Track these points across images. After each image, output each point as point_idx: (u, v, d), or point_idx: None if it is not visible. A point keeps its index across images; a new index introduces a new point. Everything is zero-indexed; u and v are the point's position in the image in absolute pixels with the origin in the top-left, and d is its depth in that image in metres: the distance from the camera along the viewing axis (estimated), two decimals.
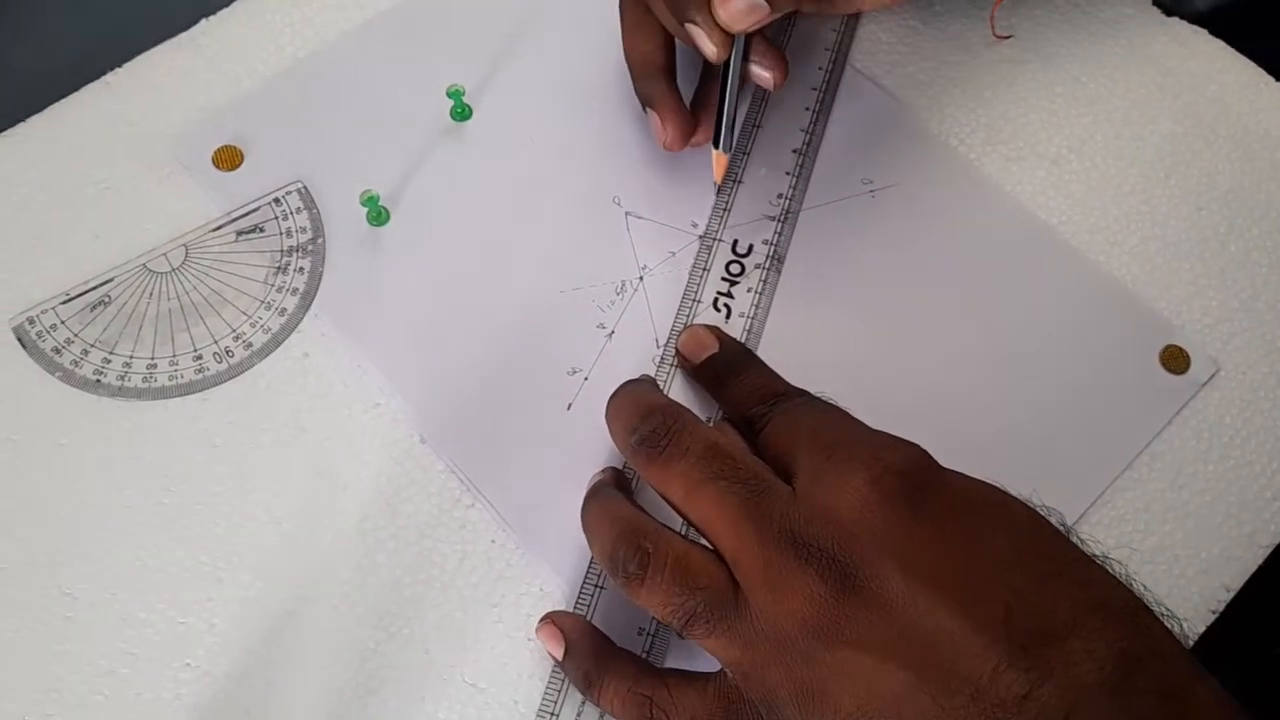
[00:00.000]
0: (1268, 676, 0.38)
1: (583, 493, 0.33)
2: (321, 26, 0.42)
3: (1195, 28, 0.45)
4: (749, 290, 0.38)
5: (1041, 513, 0.27)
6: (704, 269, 0.38)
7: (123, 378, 0.35)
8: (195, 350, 0.36)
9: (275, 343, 0.36)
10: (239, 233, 0.38)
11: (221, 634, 0.32)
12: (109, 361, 0.35)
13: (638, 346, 0.37)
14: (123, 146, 0.39)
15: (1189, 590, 0.35)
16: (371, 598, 0.33)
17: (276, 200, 0.38)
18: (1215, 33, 0.45)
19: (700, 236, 0.39)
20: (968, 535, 0.26)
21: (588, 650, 0.31)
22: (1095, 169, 0.42)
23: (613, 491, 0.31)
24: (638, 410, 0.30)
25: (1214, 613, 0.34)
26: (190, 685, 0.31)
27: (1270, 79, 0.44)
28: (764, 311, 0.37)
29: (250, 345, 0.36)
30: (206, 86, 0.41)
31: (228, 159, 0.39)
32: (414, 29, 0.43)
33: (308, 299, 0.37)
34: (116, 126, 0.40)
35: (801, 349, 0.37)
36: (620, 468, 0.34)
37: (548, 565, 0.33)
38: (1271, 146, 0.43)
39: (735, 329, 0.37)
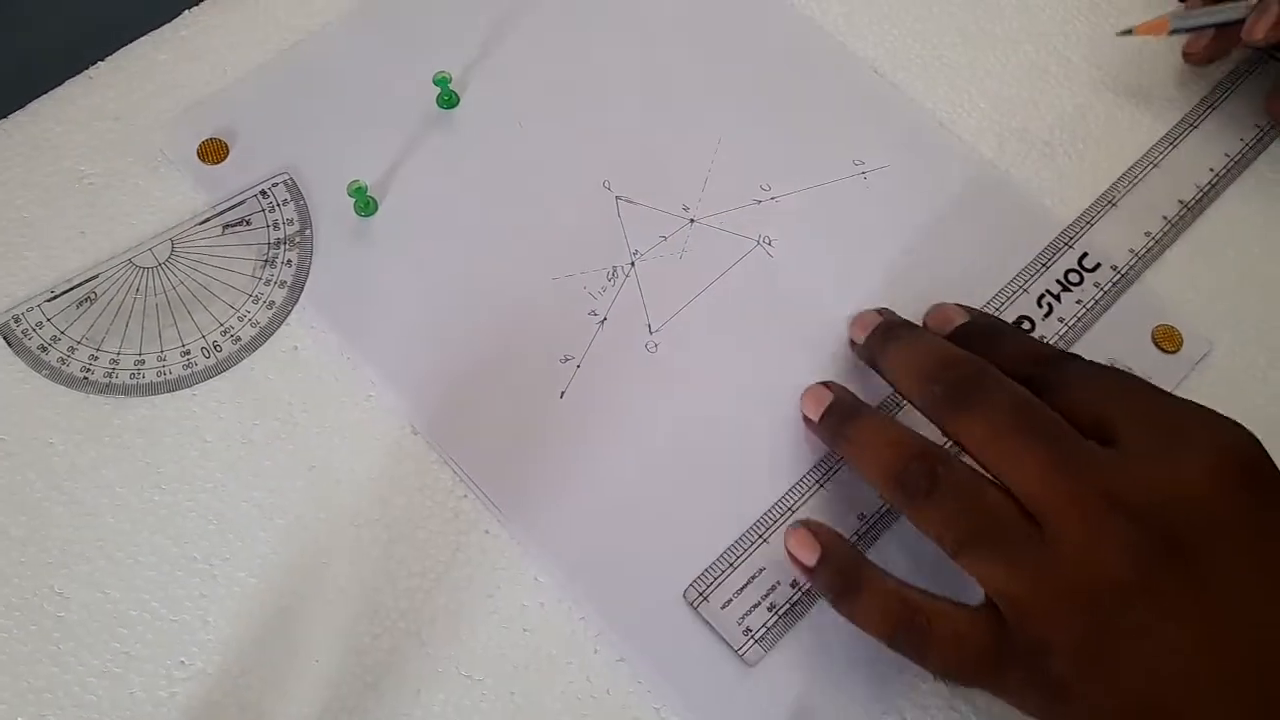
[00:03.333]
0: None
1: (577, 481, 0.33)
2: (306, 16, 0.42)
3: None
4: (1078, 302, 0.38)
5: None
6: (1044, 264, 0.38)
7: (110, 374, 0.35)
8: (183, 345, 0.36)
9: (264, 336, 0.36)
10: (225, 226, 0.37)
11: (215, 630, 0.32)
12: (95, 359, 0.35)
13: (631, 332, 0.37)
14: (107, 141, 0.39)
15: None
16: (365, 591, 0.33)
17: (263, 192, 0.38)
18: None
19: (1058, 236, 0.39)
20: None
21: (845, 558, 0.30)
22: (1088, 152, 0.42)
23: (884, 416, 0.32)
24: (941, 361, 0.30)
25: None
26: (184, 683, 0.31)
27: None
28: (1083, 326, 0.38)
29: (239, 339, 0.36)
30: (191, 79, 0.40)
31: (213, 152, 0.39)
32: (398, 17, 0.42)
33: (296, 291, 0.37)
34: (100, 121, 0.39)
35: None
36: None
37: (542, 554, 0.33)
38: (1256, 117, 0.43)
39: (1049, 329, 0.37)
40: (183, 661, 0.31)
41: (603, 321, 0.37)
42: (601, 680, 0.32)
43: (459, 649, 0.32)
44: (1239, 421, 0.28)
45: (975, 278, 0.38)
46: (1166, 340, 0.38)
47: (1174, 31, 0.41)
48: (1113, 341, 0.38)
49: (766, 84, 0.42)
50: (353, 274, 0.37)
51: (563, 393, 0.36)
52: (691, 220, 0.39)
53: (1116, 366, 0.30)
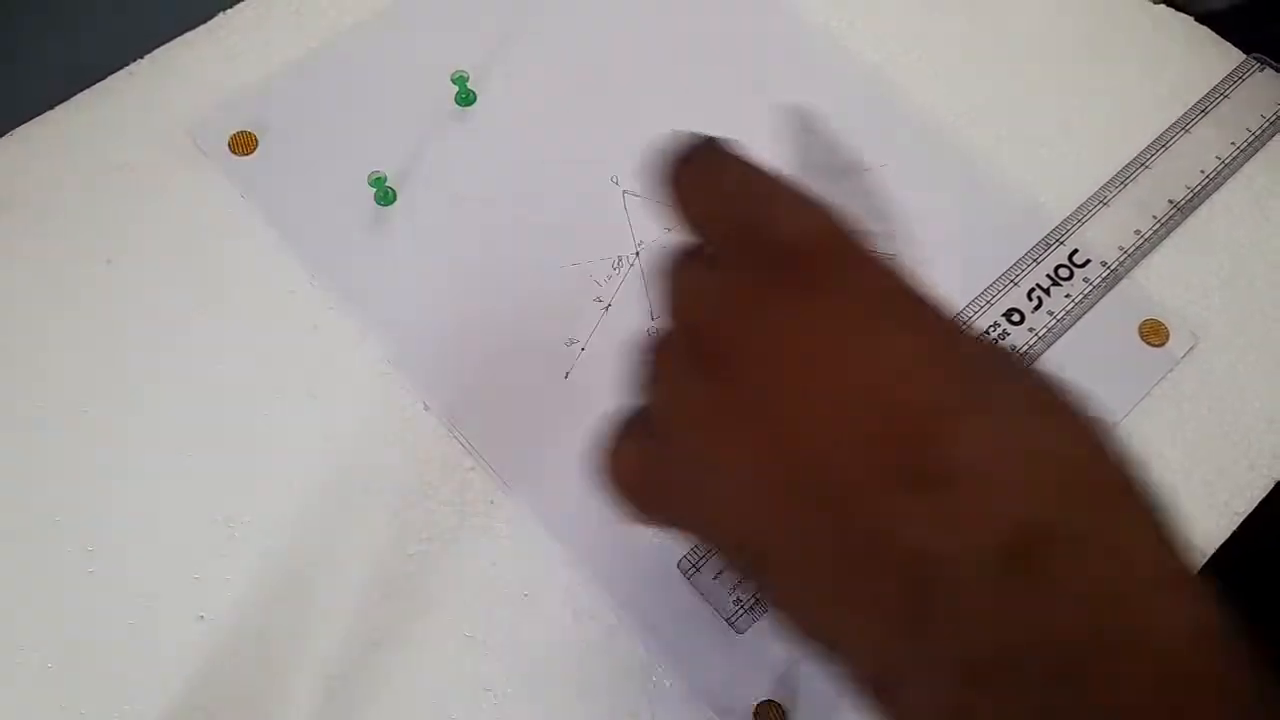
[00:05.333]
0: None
1: (579, 457, 0.34)
2: (333, 17, 0.44)
3: (1183, 16, 0.47)
4: (1066, 296, 0.39)
5: None
6: (1034, 260, 0.40)
7: None
8: None
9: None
10: None
11: (234, 588, 0.34)
12: None
13: (633, 318, 0.38)
14: (145, 132, 0.41)
15: None
16: (376, 555, 0.34)
17: None
18: (1226, 32, 0.46)
19: (1050, 233, 0.41)
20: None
21: None
22: (1082, 152, 0.43)
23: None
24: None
25: None
26: (204, 636, 0.33)
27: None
28: (1071, 319, 0.39)
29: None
30: (224, 75, 0.43)
31: (243, 144, 0.41)
32: (421, 19, 0.44)
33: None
34: (139, 113, 0.42)
35: None
36: None
37: (543, 525, 0.35)
38: (1248, 122, 0.44)
39: (1038, 321, 0.39)
40: (202, 616, 0.33)
41: (607, 307, 0.39)
42: (599, 642, 0.33)
43: (462, 611, 0.34)
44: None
45: (967, 272, 0.40)
46: (1153, 334, 0.39)
47: None
48: (1099, 334, 0.39)
49: (769, 84, 0.44)
50: (371, 259, 0.39)
51: (568, 373, 0.37)
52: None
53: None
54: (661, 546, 0.34)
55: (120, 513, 0.35)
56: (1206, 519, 0.36)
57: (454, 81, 0.41)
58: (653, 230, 0.40)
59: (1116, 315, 0.39)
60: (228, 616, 0.33)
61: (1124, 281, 0.40)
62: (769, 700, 0.32)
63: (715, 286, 0.23)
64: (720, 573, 0.34)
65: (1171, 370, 0.39)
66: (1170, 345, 0.39)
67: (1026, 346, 0.38)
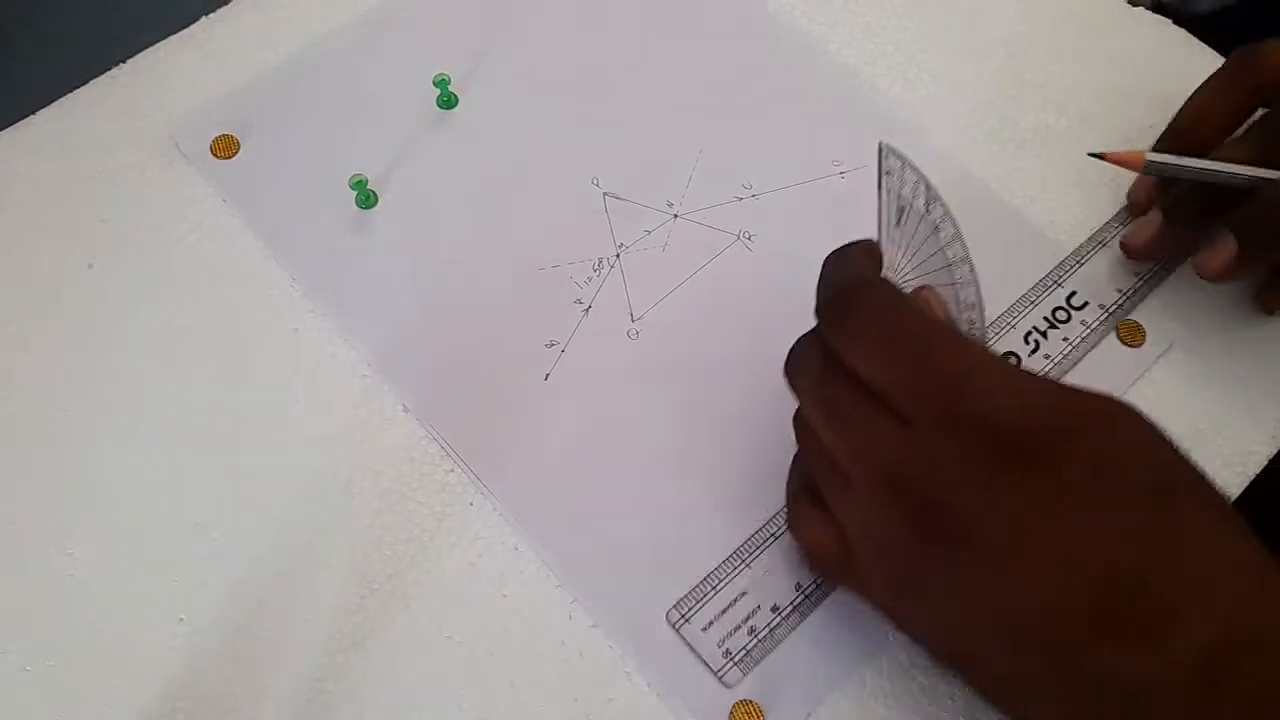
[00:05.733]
0: None
1: (557, 458, 0.34)
2: (315, 21, 0.44)
3: (1161, 19, 0.47)
4: (1064, 340, 0.39)
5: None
6: (1032, 303, 0.40)
7: None
8: None
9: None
10: None
11: (213, 590, 0.34)
12: None
13: (613, 319, 0.39)
14: (127, 136, 0.41)
15: None
16: (356, 556, 0.34)
17: None
18: (1213, 35, 0.46)
19: (1038, 282, 0.40)
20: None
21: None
22: (1055, 153, 0.43)
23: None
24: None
25: None
26: (184, 639, 0.33)
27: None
28: (1070, 363, 0.39)
29: None
30: (206, 79, 0.43)
31: (225, 147, 0.41)
32: (402, 23, 0.45)
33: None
34: (121, 118, 0.42)
35: None
36: None
37: (521, 525, 0.35)
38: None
39: (1035, 364, 0.38)
40: (182, 618, 0.33)
41: (587, 309, 0.39)
42: (575, 643, 0.34)
43: (441, 612, 0.34)
44: (1034, 385, 0.28)
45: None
46: (1130, 335, 0.39)
47: (1147, 172, 0.38)
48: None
49: (750, 87, 0.44)
50: (352, 262, 0.39)
51: (547, 375, 0.37)
52: (675, 215, 0.41)
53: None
54: (639, 552, 0.35)
55: (100, 515, 0.35)
56: None
57: (436, 85, 0.42)
58: (633, 232, 0.40)
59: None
60: (207, 618, 0.33)
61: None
62: (746, 700, 0.33)
63: (926, 453, 0.27)
64: (710, 624, 0.33)
65: (1149, 370, 0.39)
66: (1147, 346, 0.39)
67: None
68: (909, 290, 0.32)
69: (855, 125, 0.43)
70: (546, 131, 0.42)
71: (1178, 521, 0.26)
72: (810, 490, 0.32)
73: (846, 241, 0.32)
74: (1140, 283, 0.40)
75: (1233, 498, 0.37)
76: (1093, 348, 0.39)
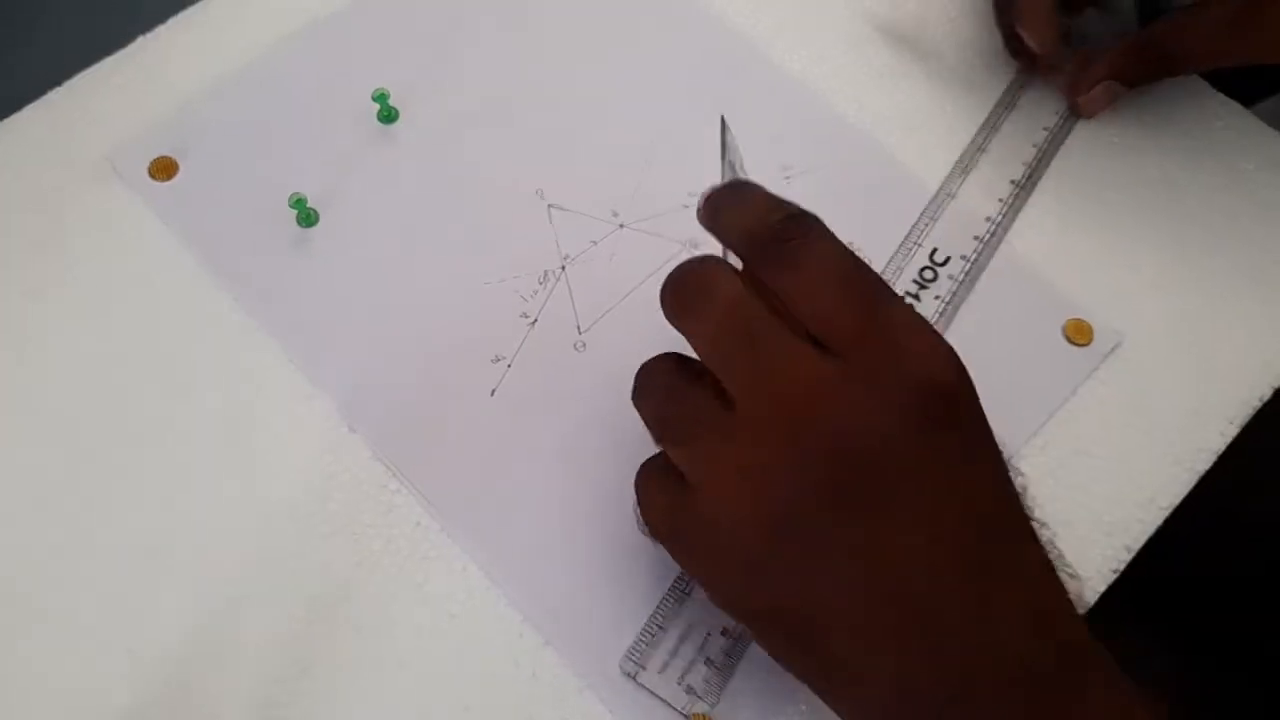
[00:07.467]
0: (1168, 630, 0.40)
1: (505, 477, 0.34)
2: (253, 40, 0.44)
3: None
4: (936, 297, 0.39)
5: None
6: (899, 268, 0.40)
7: None
8: None
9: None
10: None
11: (160, 621, 0.33)
12: None
13: (560, 332, 0.38)
14: (64, 161, 0.41)
15: (1091, 551, 0.36)
16: (302, 581, 0.34)
17: None
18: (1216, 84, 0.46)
19: (902, 240, 0.40)
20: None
21: None
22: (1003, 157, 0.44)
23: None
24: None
25: (1115, 571, 0.36)
26: (131, 671, 0.33)
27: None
28: (947, 320, 0.39)
29: None
30: (144, 101, 0.42)
31: (163, 169, 0.41)
32: (341, 38, 0.44)
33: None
34: (57, 143, 0.41)
35: None
36: None
37: (469, 545, 0.35)
38: (1178, 134, 0.44)
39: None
40: (130, 650, 0.33)
41: (533, 323, 0.38)
42: (527, 662, 0.33)
43: (390, 635, 0.34)
44: (952, 350, 0.28)
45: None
46: (1077, 334, 0.39)
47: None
48: (1023, 335, 0.39)
49: (695, 94, 0.44)
50: (294, 281, 0.39)
51: (493, 391, 0.37)
52: (621, 225, 0.41)
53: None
54: (585, 560, 0.34)
55: (44, 548, 0.34)
56: (1132, 514, 0.37)
57: (375, 99, 0.41)
58: (579, 243, 0.40)
59: (1039, 316, 0.39)
60: (156, 649, 0.33)
61: (1045, 282, 0.40)
62: (699, 714, 0.32)
63: (857, 399, 0.26)
64: (665, 665, 0.33)
65: (1097, 368, 0.39)
66: (1095, 344, 0.39)
67: None
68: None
69: (804, 130, 0.43)
70: (488, 143, 0.42)
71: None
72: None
73: None
74: (994, 227, 0.41)
75: (1184, 494, 0.37)
76: (963, 301, 0.39)
